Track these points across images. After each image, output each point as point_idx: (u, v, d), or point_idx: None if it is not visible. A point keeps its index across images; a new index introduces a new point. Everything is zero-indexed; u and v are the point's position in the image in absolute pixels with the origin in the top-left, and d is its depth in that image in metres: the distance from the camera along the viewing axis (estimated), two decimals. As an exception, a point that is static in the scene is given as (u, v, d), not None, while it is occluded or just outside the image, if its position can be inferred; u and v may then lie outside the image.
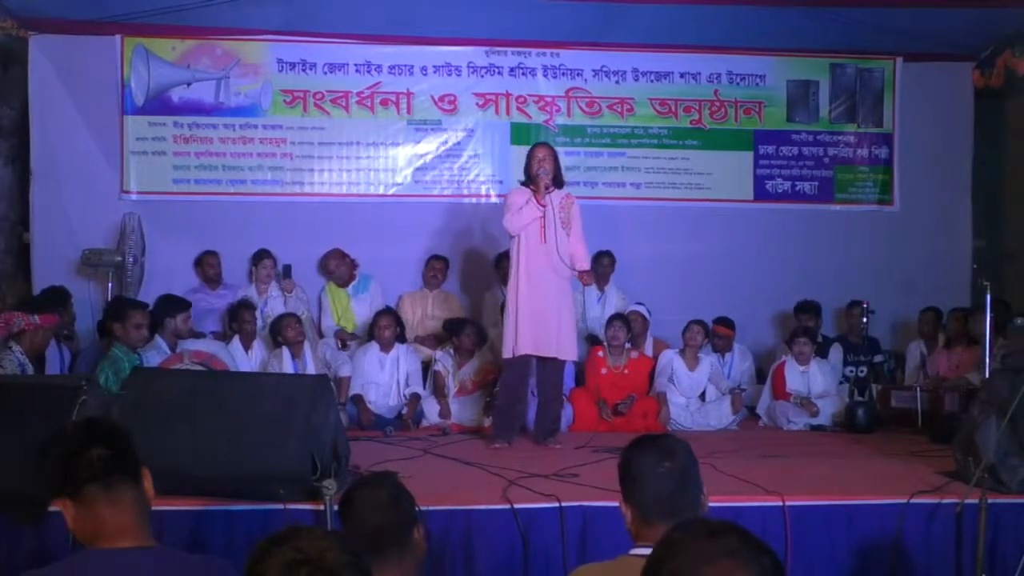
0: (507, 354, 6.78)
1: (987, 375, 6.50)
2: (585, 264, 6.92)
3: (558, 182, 6.81)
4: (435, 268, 8.78)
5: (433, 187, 9.09)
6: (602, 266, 8.74)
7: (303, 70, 8.90)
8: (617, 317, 8.00)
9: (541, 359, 6.81)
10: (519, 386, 6.85)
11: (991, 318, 6.87)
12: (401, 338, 7.93)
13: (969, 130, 9.59)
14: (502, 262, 8.13)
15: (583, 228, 6.91)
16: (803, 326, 8.38)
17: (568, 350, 6.82)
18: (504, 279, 7.72)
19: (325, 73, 8.92)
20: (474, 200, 9.16)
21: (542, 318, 6.68)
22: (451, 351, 7.94)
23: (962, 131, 9.58)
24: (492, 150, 9.14)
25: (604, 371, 7.88)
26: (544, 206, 6.68)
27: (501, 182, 8.99)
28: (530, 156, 6.85)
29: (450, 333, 8.05)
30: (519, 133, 9.11)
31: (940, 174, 9.53)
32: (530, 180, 6.77)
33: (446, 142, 9.10)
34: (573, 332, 6.89)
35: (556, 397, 6.93)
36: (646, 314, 8.42)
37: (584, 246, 6.91)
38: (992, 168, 9.78)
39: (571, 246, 6.76)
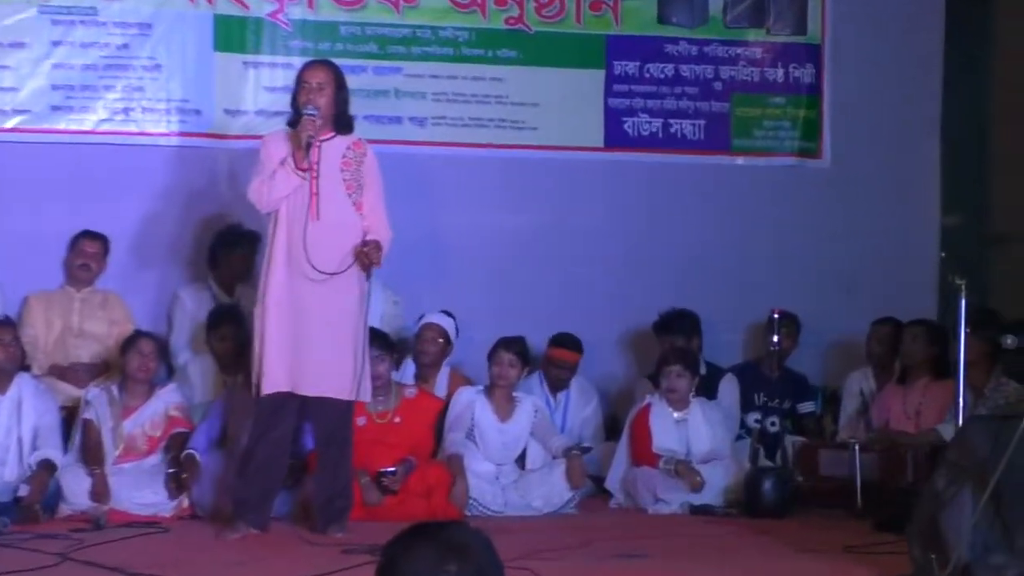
0: (258, 391, 7.04)
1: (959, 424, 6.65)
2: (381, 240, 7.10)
3: (343, 124, 7.13)
4: (86, 253, 8.71)
5: (84, 119, 8.98)
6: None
7: None
8: (372, 337, 7.80)
9: (309, 401, 7.01)
10: (279, 440, 7.07)
11: (967, 335, 6.99)
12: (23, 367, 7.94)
13: (938, 47, 9.91)
14: (219, 251, 8.62)
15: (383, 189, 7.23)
16: (675, 348, 8.47)
17: (343, 383, 7.00)
18: (216, 275, 8.49)
19: None
20: (153, 140, 9.06)
21: (308, 335, 6.95)
22: (114, 388, 7.96)
23: (927, 49, 9.91)
24: (183, 60, 9.08)
25: (362, 421, 7.79)
26: (307, 169, 6.91)
27: (198, 112, 9.03)
28: (297, 82, 7.16)
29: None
30: (228, 33, 9.07)
31: (893, 113, 9.83)
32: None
33: (105, 44, 8.92)
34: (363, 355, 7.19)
35: (339, 458, 7.17)
36: (448, 329, 8.51)
37: (383, 219, 7.17)
38: (971, 106, 10.05)
39: (366, 219, 7.06)
